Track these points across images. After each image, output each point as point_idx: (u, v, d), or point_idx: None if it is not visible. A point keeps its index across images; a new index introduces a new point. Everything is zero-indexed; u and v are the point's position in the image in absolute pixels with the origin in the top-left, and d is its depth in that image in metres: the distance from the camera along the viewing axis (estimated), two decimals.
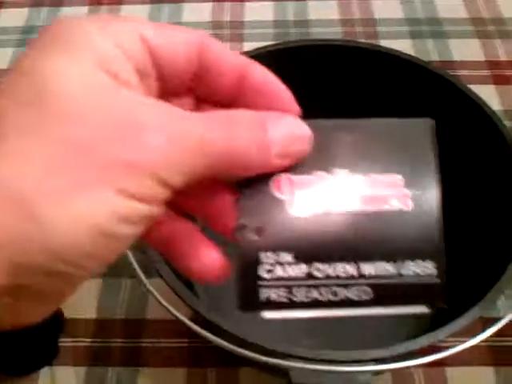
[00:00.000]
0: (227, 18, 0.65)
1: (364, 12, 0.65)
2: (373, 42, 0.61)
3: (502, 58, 0.60)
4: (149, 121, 0.16)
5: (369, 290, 0.18)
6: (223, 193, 0.20)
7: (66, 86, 0.15)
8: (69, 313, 0.43)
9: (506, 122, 0.42)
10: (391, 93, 0.43)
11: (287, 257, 0.18)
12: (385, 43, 0.56)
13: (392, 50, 0.43)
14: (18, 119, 0.15)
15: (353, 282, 0.18)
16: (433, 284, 0.18)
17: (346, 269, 0.18)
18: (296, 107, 0.19)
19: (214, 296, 0.41)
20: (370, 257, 0.18)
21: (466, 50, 0.61)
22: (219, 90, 0.19)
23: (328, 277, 0.18)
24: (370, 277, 0.18)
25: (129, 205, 0.15)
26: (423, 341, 0.30)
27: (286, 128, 0.18)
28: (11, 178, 0.15)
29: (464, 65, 0.60)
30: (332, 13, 0.65)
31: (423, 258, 0.18)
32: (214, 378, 0.41)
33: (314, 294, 0.18)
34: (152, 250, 0.31)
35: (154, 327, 0.43)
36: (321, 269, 0.18)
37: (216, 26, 0.65)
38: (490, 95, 0.56)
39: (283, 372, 0.29)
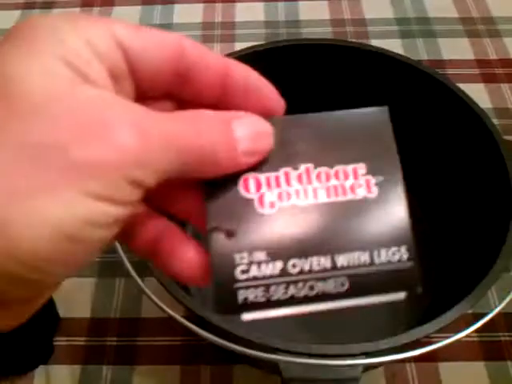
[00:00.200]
0: (218, 18, 0.66)
1: (354, 12, 0.66)
2: (363, 41, 0.61)
3: (492, 56, 0.61)
4: (115, 119, 0.15)
5: (345, 281, 0.18)
6: (197, 194, 0.19)
7: (28, 85, 0.15)
8: (64, 312, 0.44)
9: (495, 121, 0.42)
10: (381, 92, 0.43)
11: (261, 256, 0.18)
12: (375, 43, 0.56)
13: (382, 49, 0.43)
14: None
15: (329, 274, 0.18)
16: (405, 269, 0.18)
17: (320, 262, 0.18)
18: (281, 102, 0.19)
19: (207, 294, 0.42)
20: (342, 247, 0.18)
21: (455, 49, 0.62)
22: (203, 91, 0.19)
23: (304, 272, 0.18)
24: (345, 267, 0.18)
25: (96, 207, 0.15)
26: (413, 334, 0.30)
27: (250, 126, 0.18)
28: None
29: (453, 64, 0.60)
30: (323, 13, 0.66)
31: (393, 244, 0.18)
32: (208, 376, 0.41)
33: (292, 291, 0.18)
34: None
35: (148, 325, 0.44)
36: (296, 264, 0.18)
37: (207, 26, 0.65)
38: (479, 94, 0.57)
39: (276, 368, 0.30)
